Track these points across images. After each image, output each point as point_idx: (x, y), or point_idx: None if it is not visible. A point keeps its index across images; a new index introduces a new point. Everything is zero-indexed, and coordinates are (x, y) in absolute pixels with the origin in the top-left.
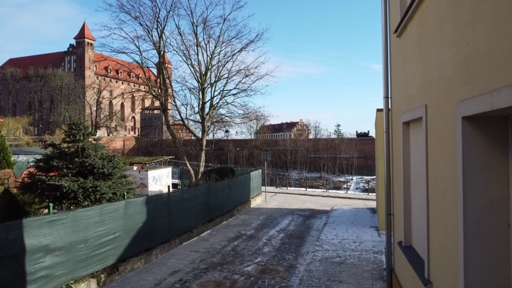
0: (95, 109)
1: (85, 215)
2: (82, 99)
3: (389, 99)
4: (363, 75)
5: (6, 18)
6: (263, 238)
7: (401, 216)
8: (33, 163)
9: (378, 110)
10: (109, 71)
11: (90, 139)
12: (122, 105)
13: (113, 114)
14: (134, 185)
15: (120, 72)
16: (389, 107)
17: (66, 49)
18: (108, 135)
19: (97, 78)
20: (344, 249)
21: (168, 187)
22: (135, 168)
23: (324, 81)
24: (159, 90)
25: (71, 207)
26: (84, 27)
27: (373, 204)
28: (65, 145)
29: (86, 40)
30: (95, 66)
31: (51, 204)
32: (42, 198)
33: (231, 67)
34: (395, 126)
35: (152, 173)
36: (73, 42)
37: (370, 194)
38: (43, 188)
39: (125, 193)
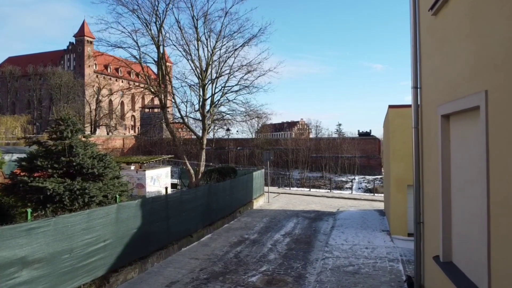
0: (94, 107)
1: (70, 222)
2: (82, 97)
3: (419, 89)
4: (364, 74)
5: (9, 17)
6: (267, 243)
7: (438, 226)
8: (16, 163)
9: (390, 107)
10: (109, 69)
11: (79, 136)
12: (122, 104)
13: (113, 112)
14: (129, 187)
15: (120, 71)
16: (418, 99)
17: (65, 47)
18: (108, 133)
19: (97, 76)
20: (356, 256)
21: (166, 188)
22: (132, 167)
23: (325, 81)
24: (158, 86)
25: (58, 211)
26: (84, 25)
27: (380, 206)
28: (51, 142)
29: (86, 38)
30: (95, 64)
31: (29, 210)
32: (24, 201)
33: (233, 63)
34: (427, 121)
35: (150, 173)
36: (73, 40)
37: (376, 194)
38: (25, 190)
39: (117, 196)
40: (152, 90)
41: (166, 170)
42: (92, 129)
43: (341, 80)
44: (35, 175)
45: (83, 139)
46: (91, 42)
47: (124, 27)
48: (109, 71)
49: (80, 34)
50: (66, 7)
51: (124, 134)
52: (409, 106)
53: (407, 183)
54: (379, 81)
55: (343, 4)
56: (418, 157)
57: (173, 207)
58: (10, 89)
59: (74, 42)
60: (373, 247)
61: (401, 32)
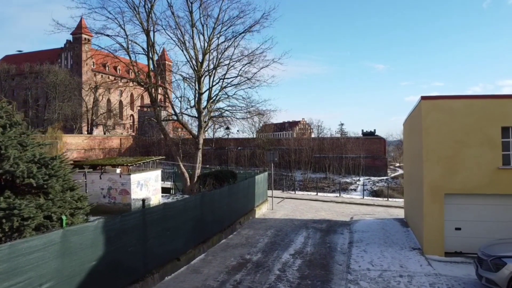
0: (91, 106)
1: None
2: (78, 96)
3: None
4: (366, 75)
5: (13, 17)
6: (274, 268)
7: None
8: None
9: (424, 98)
10: (107, 68)
11: (15, 133)
12: (121, 103)
13: (111, 112)
14: (88, 202)
15: (119, 69)
16: None
17: (62, 45)
18: (105, 133)
19: (95, 75)
20: None
21: (143, 200)
22: (118, 170)
23: (326, 81)
24: (147, 78)
25: None
26: (81, 22)
27: (398, 213)
28: None
29: (83, 35)
30: (93, 62)
31: None
32: None
33: (233, 53)
34: None
35: (136, 177)
36: (70, 38)
37: (390, 199)
38: None
39: (63, 218)
40: (141, 82)
41: (156, 174)
42: (89, 128)
43: (343, 80)
44: None
45: (23, 136)
46: (89, 40)
47: (109, 12)
48: (107, 69)
49: (78, 31)
50: (70, 7)
51: (121, 133)
52: (449, 97)
53: (445, 191)
54: (380, 81)
55: (344, 5)
56: None
57: (154, 224)
58: (5, 88)
59: (72, 40)
60: (409, 275)
61: (402, 32)
